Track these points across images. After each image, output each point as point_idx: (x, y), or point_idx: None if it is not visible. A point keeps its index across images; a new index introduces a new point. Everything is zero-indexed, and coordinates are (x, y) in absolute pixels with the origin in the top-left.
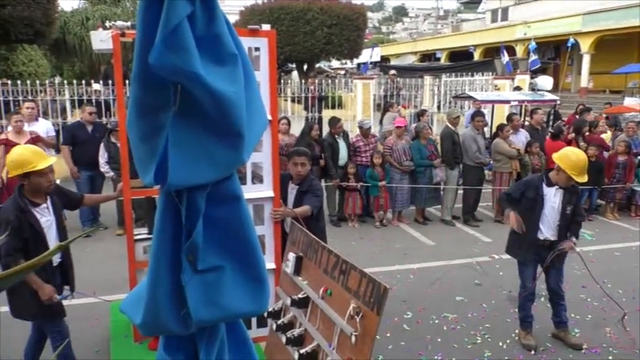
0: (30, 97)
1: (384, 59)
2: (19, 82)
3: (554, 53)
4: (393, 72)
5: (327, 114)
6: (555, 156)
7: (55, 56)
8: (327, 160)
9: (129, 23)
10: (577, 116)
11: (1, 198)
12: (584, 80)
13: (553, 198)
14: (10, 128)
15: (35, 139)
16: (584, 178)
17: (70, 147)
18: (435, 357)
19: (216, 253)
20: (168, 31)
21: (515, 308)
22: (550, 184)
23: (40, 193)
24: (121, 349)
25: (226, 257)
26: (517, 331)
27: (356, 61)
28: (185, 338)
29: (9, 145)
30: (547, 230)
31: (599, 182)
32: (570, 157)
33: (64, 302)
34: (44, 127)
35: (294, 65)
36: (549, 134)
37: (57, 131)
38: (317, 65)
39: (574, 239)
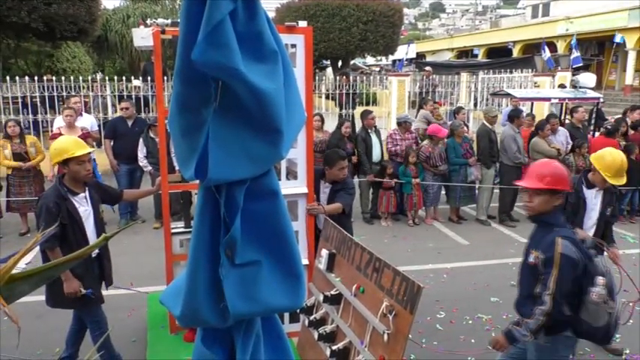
0: (73, 93)
1: (420, 56)
2: (63, 78)
3: (598, 50)
4: (427, 68)
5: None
6: (592, 156)
7: (97, 53)
8: (360, 155)
9: (169, 21)
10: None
11: None
12: (629, 78)
13: (594, 200)
14: (62, 122)
15: (86, 135)
16: (621, 181)
17: (111, 141)
18: (469, 358)
19: (254, 248)
20: (210, 28)
21: None
22: (589, 186)
23: (78, 183)
24: (157, 340)
25: (263, 252)
26: None
27: (391, 57)
28: (222, 331)
29: None
30: (583, 232)
31: None
32: (605, 157)
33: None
34: (88, 122)
35: (328, 62)
36: (604, 130)
37: (99, 126)
38: (351, 62)
39: (615, 246)
